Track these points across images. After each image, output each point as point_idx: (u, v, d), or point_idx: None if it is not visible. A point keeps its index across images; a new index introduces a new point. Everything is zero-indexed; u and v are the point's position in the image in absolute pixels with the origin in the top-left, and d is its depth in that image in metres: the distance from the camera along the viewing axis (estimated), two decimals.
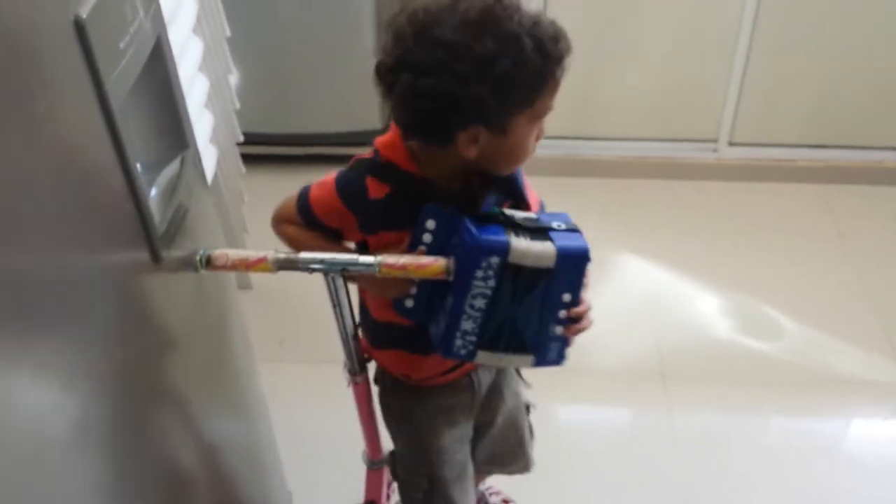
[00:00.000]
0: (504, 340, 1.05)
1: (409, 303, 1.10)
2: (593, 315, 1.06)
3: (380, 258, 1.01)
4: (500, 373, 1.34)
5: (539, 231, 1.00)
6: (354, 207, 1.08)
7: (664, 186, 2.81)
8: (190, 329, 1.10)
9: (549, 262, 0.98)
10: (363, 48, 2.53)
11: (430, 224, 1.02)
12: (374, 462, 1.48)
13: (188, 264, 1.04)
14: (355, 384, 1.29)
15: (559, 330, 1.04)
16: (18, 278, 0.65)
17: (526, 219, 1.02)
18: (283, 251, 1.06)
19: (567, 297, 1.01)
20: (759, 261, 2.50)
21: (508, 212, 1.04)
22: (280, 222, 1.16)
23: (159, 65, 0.98)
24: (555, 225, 1.01)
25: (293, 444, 1.75)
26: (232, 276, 1.36)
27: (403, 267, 1.01)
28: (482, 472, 1.48)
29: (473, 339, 1.04)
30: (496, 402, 1.37)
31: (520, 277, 0.99)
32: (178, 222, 1.00)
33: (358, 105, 2.63)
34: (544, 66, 0.95)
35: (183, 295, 1.06)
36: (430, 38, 0.93)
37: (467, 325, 1.02)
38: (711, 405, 2.05)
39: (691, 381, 2.09)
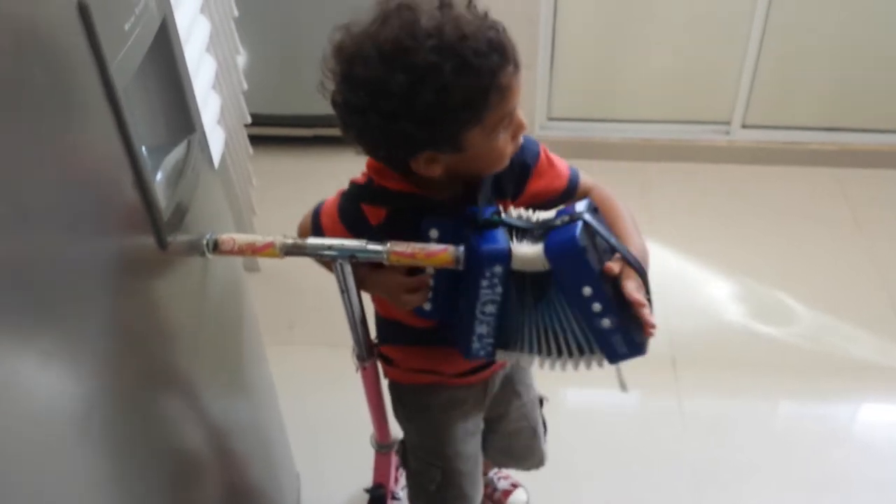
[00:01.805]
0: (554, 343, 1.01)
1: (427, 306, 1.08)
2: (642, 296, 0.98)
3: (389, 245, 1.00)
4: (513, 367, 1.33)
5: (546, 231, 0.96)
6: (361, 235, 1.06)
7: (676, 169, 2.79)
8: (197, 314, 1.09)
9: (541, 265, 0.94)
10: None
11: (434, 233, 1.01)
12: (383, 446, 1.48)
13: (195, 249, 1.03)
14: (363, 369, 1.29)
15: (607, 323, 0.97)
16: (21, 265, 0.64)
17: (544, 221, 0.98)
18: (290, 236, 1.05)
19: (587, 290, 0.94)
20: (771, 244, 2.48)
21: (514, 214, 1.00)
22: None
23: (165, 46, 0.97)
24: (558, 222, 0.96)
25: (302, 427, 1.75)
26: (239, 260, 1.35)
27: (412, 255, 0.99)
28: (496, 464, 1.47)
29: (490, 340, 1.04)
30: (508, 396, 1.36)
31: (524, 283, 0.97)
32: (184, 207, 0.99)
33: None
34: (476, 84, 0.89)
35: (190, 280, 1.05)
36: (353, 76, 0.91)
37: (481, 329, 1.02)
38: (722, 390, 2.04)
39: (702, 365, 2.08)
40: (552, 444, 1.53)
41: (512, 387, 1.35)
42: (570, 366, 1.04)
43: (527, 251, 0.95)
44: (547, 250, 0.93)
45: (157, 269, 0.93)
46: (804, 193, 2.68)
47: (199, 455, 1.09)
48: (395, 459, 1.60)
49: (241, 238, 1.06)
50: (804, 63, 2.66)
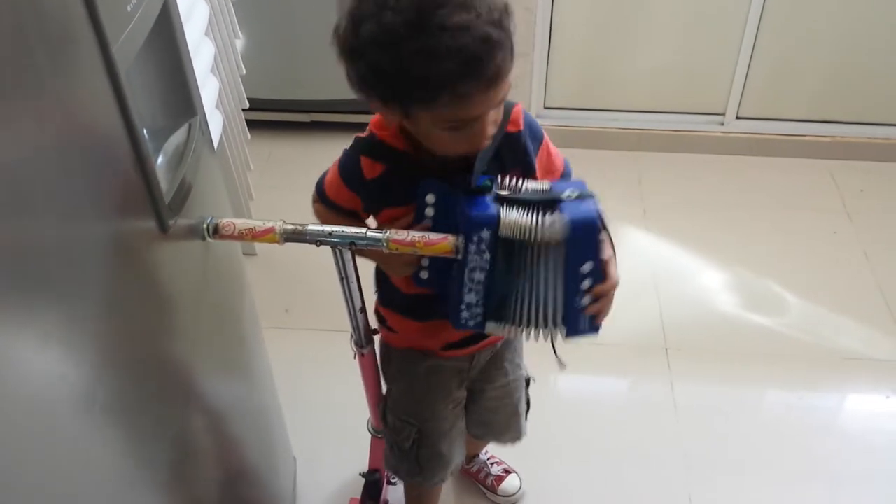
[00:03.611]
0: (526, 314, 1.03)
1: (424, 274, 1.09)
2: (615, 293, 1.03)
3: (388, 233, 1.00)
4: (504, 344, 1.35)
5: (549, 203, 0.98)
6: (355, 188, 1.09)
7: (671, 159, 2.80)
8: (196, 297, 1.09)
9: (559, 235, 0.96)
10: None
11: (430, 198, 1.02)
12: (379, 431, 1.49)
13: (195, 233, 1.04)
14: (361, 356, 1.29)
15: (586, 300, 1.01)
16: (23, 247, 0.64)
17: (536, 191, 1.00)
18: (290, 222, 1.05)
19: (587, 266, 0.99)
20: (764, 235, 2.49)
21: (509, 183, 1.01)
22: (313, 200, 1.18)
23: (167, 29, 0.97)
24: (565, 195, 0.98)
25: (299, 411, 1.76)
26: (237, 243, 1.35)
27: (412, 243, 1.00)
28: (473, 435, 1.49)
29: (479, 310, 1.03)
30: (494, 372, 1.37)
31: (513, 251, 0.98)
32: (185, 191, 0.99)
33: None
34: (431, 76, 0.86)
35: (189, 263, 1.06)
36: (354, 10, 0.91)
37: (470, 297, 1.02)
38: (714, 379, 2.06)
39: (694, 355, 2.10)
40: (545, 431, 1.55)
41: (500, 363, 1.37)
42: (531, 336, 1.06)
43: (520, 218, 0.96)
44: (571, 222, 0.95)
45: (158, 252, 0.93)
46: (797, 184, 2.70)
47: (196, 437, 1.10)
48: None
49: (241, 223, 1.06)
50: (798, 55, 2.67)
